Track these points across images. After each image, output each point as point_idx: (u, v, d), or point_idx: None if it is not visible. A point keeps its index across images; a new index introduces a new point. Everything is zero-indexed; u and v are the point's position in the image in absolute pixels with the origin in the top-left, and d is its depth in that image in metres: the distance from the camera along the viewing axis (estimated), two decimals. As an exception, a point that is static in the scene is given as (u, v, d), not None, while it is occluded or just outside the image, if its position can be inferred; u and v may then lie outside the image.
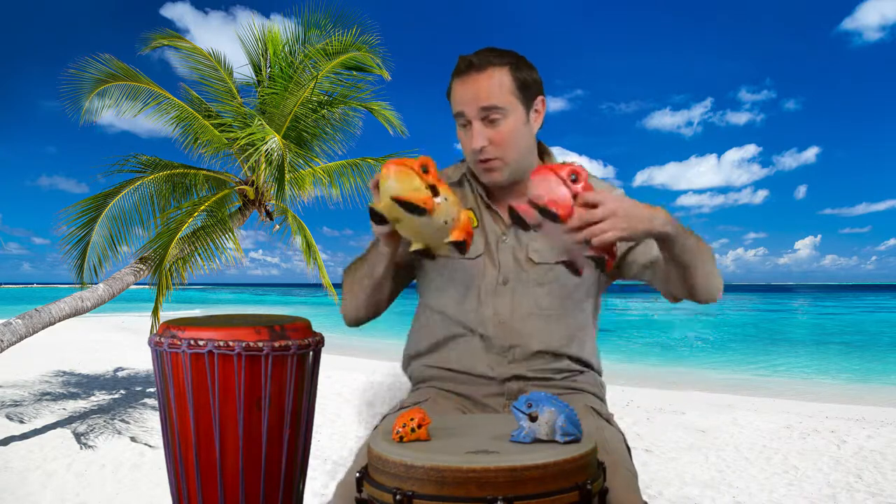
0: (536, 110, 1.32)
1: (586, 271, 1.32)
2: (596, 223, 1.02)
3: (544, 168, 1.06)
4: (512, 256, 1.35)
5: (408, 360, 1.48)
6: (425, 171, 1.10)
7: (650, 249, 1.33)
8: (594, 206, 1.03)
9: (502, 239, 1.36)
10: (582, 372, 1.39)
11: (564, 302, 1.35)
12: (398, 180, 1.08)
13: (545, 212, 1.03)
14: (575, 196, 1.04)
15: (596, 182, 1.35)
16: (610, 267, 1.08)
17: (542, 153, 1.42)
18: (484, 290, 1.34)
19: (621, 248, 1.36)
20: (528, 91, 1.29)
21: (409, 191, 1.08)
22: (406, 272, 1.46)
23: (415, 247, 1.16)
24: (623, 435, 1.30)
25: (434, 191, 1.10)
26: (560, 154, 1.43)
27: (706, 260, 1.23)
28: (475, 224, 1.32)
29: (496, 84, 1.26)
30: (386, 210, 1.11)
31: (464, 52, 1.30)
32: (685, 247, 1.17)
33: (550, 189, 1.04)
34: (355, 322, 1.46)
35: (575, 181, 1.04)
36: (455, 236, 1.14)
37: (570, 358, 1.35)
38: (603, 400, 1.42)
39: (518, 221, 1.08)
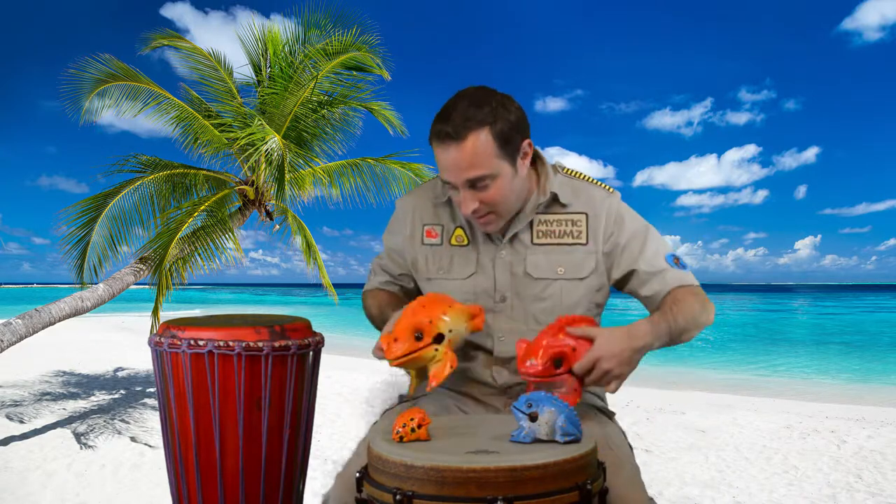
0: (524, 154, 1.27)
1: (585, 287, 1.35)
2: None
3: (529, 373, 1.17)
4: (509, 272, 1.33)
5: None
6: (419, 338, 1.18)
7: (651, 288, 1.34)
8: (589, 372, 1.15)
9: (499, 255, 1.34)
10: None
11: (564, 315, 1.33)
12: (404, 361, 1.19)
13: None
14: (568, 376, 1.17)
15: (591, 190, 1.35)
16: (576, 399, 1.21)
17: (535, 157, 1.38)
18: (483, 308, 1.33)
19: (624, 274, 1.38)
20: (511, 145, 1.23)
21: (418, 365, 1.22)
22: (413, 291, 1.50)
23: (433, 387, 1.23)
24: (624, 432, 1.30)
25: (438, 339, 1.20)
26: (559, 154, 1.44)
27: (692, 326, 1.29)
28: (465, 242, 1.38)
29: (479, 152, 1.20)
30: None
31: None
32: (672, 341, 1.27)
33: (546, 387, 1.17)
34: None
35: (559, 366, 1.17)
36: (431, 383, 1.22)
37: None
38: (604, 399, 1.42)
39: None
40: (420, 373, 1.23)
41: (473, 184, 1.22)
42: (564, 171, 1.38)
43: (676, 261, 1.34)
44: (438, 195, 1.41)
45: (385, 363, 1.23)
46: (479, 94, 1.22)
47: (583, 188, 1.36)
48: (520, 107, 1.26)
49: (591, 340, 1.15)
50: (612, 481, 1.04)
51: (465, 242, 1.37)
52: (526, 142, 1.26)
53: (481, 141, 1.19)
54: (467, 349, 1.35)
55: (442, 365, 1.19)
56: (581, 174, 1.38)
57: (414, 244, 1.41)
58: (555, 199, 1.34)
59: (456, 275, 1.35)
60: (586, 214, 1.33)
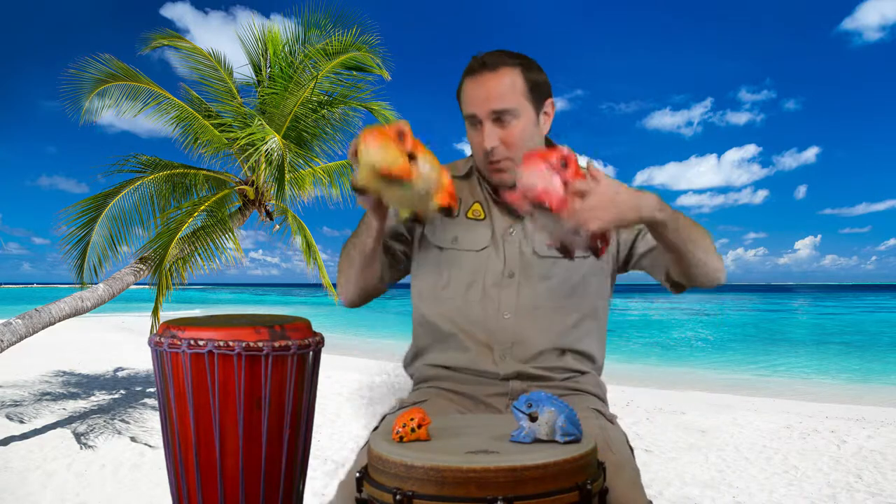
0: (546, 112, 1.33)
1: (591, 264, 1.34)
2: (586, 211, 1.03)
3: (534, 156, 1.05)
4: (518, 249, 1.35)
5: (411, 358, 1.48)
6: (401, 137, 1.09)
7: (649, 238, 1.34)
8: (583, 194, 1.03)
9: (509, 232, 1.35)
10: (584, 373, 1.38)
11: (570, 296, 1.34)
12: (375, 151, 1.07)
13: (536, 203, 1.03)
14: (565, 183, 1.03)
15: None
16: (603, 252, 1.09)
17: (548, 143, 1.41)
18: (489, 283, 1.34)
19: (627, 239, 1.37)
20: (539, 93, 1.30)
21: (387, 161, 1.07)
22: (404, 259, 1.46)
23: (403, 214, 1.16)
24: (625, 435, 1.30)
25: (412, 157, 1.09)
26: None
27: (702, 242, 1.22)
28: (482, 216, 1.35)
29: (508, 85, 1.26)
30: (366, 181, 1.10)
31: (464, 53, 1.31)
32: (678, 231, 1.17)
33: (541, 178, 1.03)
34: (349, 302, 1.45)
35: (565, 167, 1.04)
36: (440, 201, 1.14)
37: (573, 352, 1.35)
38: (605, 401, 1.42)
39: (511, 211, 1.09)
40: (397, 201, 1.14)
41: (498, 117, 1.26)
42: None
43: None
44: (458, 169, 1.43)
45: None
46: (513, 51, 1.31)
47: (593, 175, 1.38)
48: (545, 74, 1.33)
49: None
50: (612, 484, 1.04)
51: (482, 217, 1.38)
52: (550, 100, 1.34)
53: (513, 76, 1.27)
54: (469, 337, 1.34)
55: (441, 175, 1.13)
56: (591, 163, 1.40)
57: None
58: None
59: (469, 246, 1.36)
60: None
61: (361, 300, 1.44)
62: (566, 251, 1.11)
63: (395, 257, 1.45)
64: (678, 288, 1.35)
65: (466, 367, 1.35)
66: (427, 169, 1.10)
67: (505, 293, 1.33)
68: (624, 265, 1.42)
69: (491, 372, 1.33)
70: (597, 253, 1.08)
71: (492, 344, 1.33)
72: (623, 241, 1.39)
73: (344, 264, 1.39)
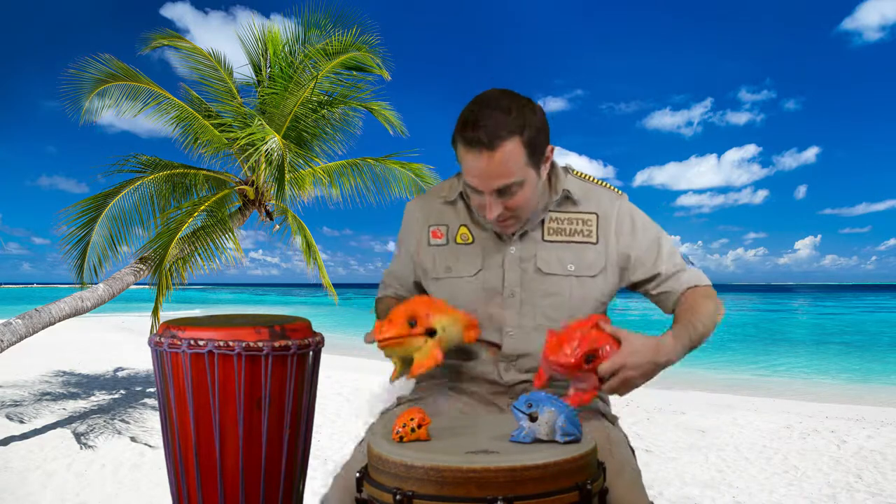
0: (547, 158, 1.28)
1: (594, 285, 1.36)
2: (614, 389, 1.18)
3: (559, 351, 1.16)
4: (519, 268, 1.34)
5: None
6: (412, 325, 1.21)
7: (661, 288, 1.37)
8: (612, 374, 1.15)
9: (509, 251, 1.34)
10: None
11: (574, 313, 1.34)
12: (395, 349, 1.23)
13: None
14: (592, 373, 1.16)
15: (600, 192, 1.38)
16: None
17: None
18: (490, 306, 1.34)
19: (642, 276, 1.39)
20: (539, 152, 1.25)
21: (410, 356, 1.24)
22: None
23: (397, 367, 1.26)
24: (626, 436, 1.30)
25: (430, 332, 1.22)
26: (560, 154, 1.41)
27: (709, 334, 1.31)
28: (470, 240, 1.39)
29: (509, 162, 1.19)
30: (401, 369, 1.27)
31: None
32: (692, 349, 1.28)
33: (570, 378, 1.19)
34: None
35: (591, 361, 1.16)
36: (469, 339, 1.28)
37: None
38: (606, 402, 1.42)
39: None
40: (404, 361, 1.24)
41: (501, 192, 1.23)
42: (574, 172, 1.40)
43: (688, 260, 1.39)
44: (447, 194, 1.41)
45: (385, 363, 1.23)
46: (506, 99, 1.21)
47: (592, 190, 1.38)
48: (542, 111, 1.26)
49: (619, 342, 1.17)
50: (613, 484, 1.04)
51: (470, 241, 1.37)
52: (549, 147, 1.28)
53: (513, 150, 1.19)
54: (475, 347, 1.35)
55: (428, 356, 1.21)
56: (590, 176, 1.40)
57: (421, 247, 1.42)
58: (566, 197, 1.35)
59: (463, 273, 1.36)
60: (596, 215, 1.35)
61: None
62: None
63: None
64: None
65: (470, 374, 1.36)
66: (448, 330, 1.25)
67: (507, 314, 1.33)
68: (629, 286, 1.43)
69: (495, 381, 1.35)
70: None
71: (495, 358, 1.34)
72: (638, 274, 1.38)
73: None
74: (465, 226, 1.38)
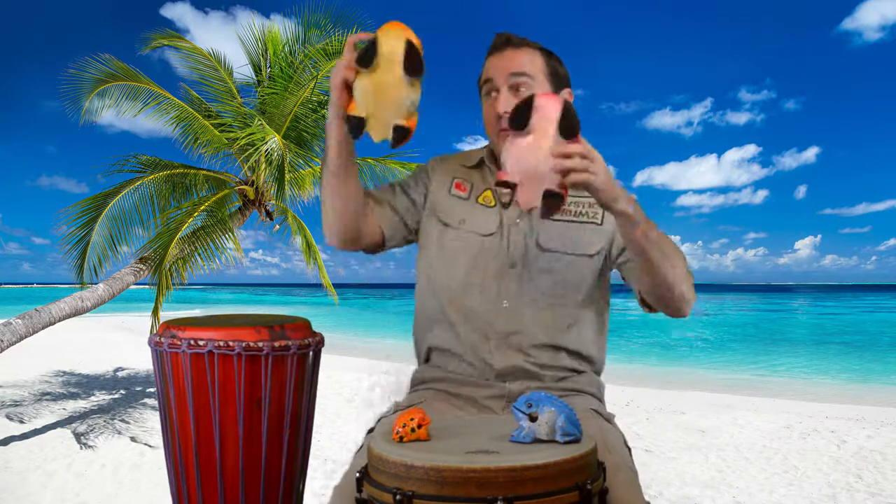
0: (565, 90, 1.36)
1: (593, 265, 1.35)
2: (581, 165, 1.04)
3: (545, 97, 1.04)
4: (523, 241, 1.35)
5: (415, 336, 1.48)
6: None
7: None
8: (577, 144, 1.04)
9: (515, 222, 1.36)
10: (581, 372, 1.38)
11: (570, 290, 1.34)
12: (410, 37, 1.08)
13: (520, 115, 1.02)
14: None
15: None
16: (556, 210, 1.05)
17: None
18: (490, 271, 1.34)
19: (619, 243, 1.35)
20: (558, 77, 1.34)
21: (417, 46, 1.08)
22: (408, 219, 1.42)
23: (354, 111, 1.12)
24: (623, 434, 1.30)
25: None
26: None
27: (672, 259, 1.20)
28: (493, 204, 1.36)
29: (529, 59, 1.31)
30: (384, 55, 1.08)
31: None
32: (647, 235, 1.15)
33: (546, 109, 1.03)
34: (332, 235, 1.37)
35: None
36: (407, 122, 1.11)
37: (568, 351, 1.34)
38: (602, 401, 1.42)
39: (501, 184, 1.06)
40: (371, 93, 1.11)
41: (515, 84, 1.29)
42: None
43: None
44: (470, 159, 1.44)
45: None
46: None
47: None
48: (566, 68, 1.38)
49: None
50: (610, 484, 1.03)
51: (492, 204, 1.38)
52: (568, 90, 1.36)
53: (534, 55, 1.32)
54: (466, 323, 1.34)
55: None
56: None
57: (440, 191, 1.42)
58: None
59: (476, 229, 1.36)
60: None
61: (346, 235, 1.36)
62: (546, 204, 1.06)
63: (395, 210, 1.41)
64: (648, 308, 1.33)
65: (461, 353, 1.34)
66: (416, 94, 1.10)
67: (505, 283, 1.33)
68: (612, 263, 1.41)
69: (486, 361, 1.32)
70: (557, 206, 1.04)
71: (488, 333, 1.32)
72: (617, 243, 1.37)
73: (324, 196, 1.35)
74: (490, 190, 1.39)
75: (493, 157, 1.41)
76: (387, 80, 1.10)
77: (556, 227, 1.35)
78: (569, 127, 1.03)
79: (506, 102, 1.29)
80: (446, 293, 1.36)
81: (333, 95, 1.17)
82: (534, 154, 1.03)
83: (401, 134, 1.11)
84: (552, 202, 1.04)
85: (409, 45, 1.08)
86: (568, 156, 1.03)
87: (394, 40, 1.09)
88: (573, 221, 1.36)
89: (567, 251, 1.34)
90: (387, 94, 1.10)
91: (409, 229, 1.44)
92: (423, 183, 1.44)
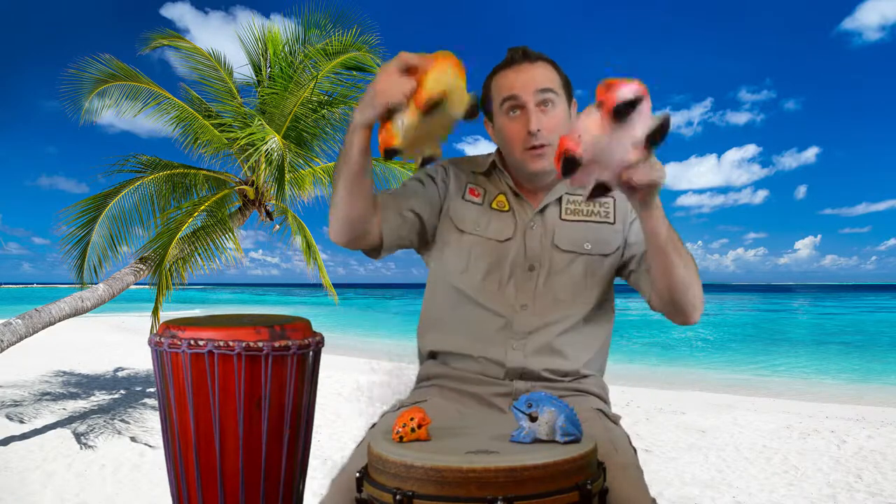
0: (573, 102, 1.38)
1: (609, 264, 1.37)
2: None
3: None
4: (539, 243, 1.35)
5: (421, 336, 1.45)
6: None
7: (640, 246, 1.35)
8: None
9: (530, 226, 1.36)
10: (587, 375, 1.39)
11: (585, 291, 1.35)
12: (461, 78, 1.12)
13: (626, 106, 0.99)
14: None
15: None
16: (593, 200, 1.19)
17: None
18: (510, 274, 1.34)
19: (631, 243, 1.37)
20: (569, 89, 1.37)
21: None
22: (416, 229, 1.39)
23: (393, 144, 1.12)
24: (628, 436, 1.30)
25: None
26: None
27: (688, 261, 1.23)
28: (507, 208, 1.37)
29: (549, 73, 1.33)
30: (433, 95, 1.09)
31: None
32: (670, 237, 1.18)
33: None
34: (341, 234, 1.30)
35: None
36: (436, 150, 1.18)
37: (579, 351, 1.35)
38: (607, 402, 1.42)
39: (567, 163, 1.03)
40: (414, 128, 1.12)
41: (542, 100, 1.30)
42: None
43: None
44: (479, 165, 1.43)
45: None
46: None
47: None
48: None
49: None
50: (617, 484, 1.04)
51: (506, 208, 1.38)
52: (574, 101, 1.39)
53: (549, 69, 1.34)
54: (482, 325, 1.34)
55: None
56: None
57: (455, 196, 1.40)
58: None
59: (492, 234, 1.36)
60: (614, 198, 1.39)
61: (351, 234, 1.31)
62: (601, 189, 1.07)
63: (404, 218, 1.37)
64: (655, 305, 1.34)
65: (471, 353, 1.34)
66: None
67: (524, 287, 1.34)
68: (621, 267, 1.41)
69: (497, 360, 1.32)
70: (603, 193, 1.06)
71: (506, 333, 1.33)
72: (629, 251, 1.38)
73: (337, 190, 1.28)
74: (503, 194, 1.40)
75: (503, 164, 1.41)
76: (438, 122, 1.15)
77: (572, 227, 1.37)
78: (661, 137, 1.04)
79: (537, 120, 1.28)
80: (463, 296, 1.36)
81: (370, 112, 1.14)
82: (618, 142, 1.02)
83: (428, 161, 1.19)
84: (598, 192, 1.06)
85: (474, 100, 1.16)
86: (647, 156, 1.04)
87: (459, 92, 1.13)
88: (587, 221, 1.38)
89: (584, 251, 1.35)
90: (432, 133, 1.16)
91: (414, 237, 1.39)
92: (444, 180, 1.41)
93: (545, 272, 1.34)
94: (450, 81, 1.10)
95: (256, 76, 6.79)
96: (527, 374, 1.33)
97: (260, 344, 1.22)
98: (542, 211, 1.37)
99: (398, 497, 0.86)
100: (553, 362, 1.33)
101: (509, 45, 1.38)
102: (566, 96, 1.35)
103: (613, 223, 1.38)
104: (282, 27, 6.74)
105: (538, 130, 1.29)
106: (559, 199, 1.39)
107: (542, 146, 1.30)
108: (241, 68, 6.79)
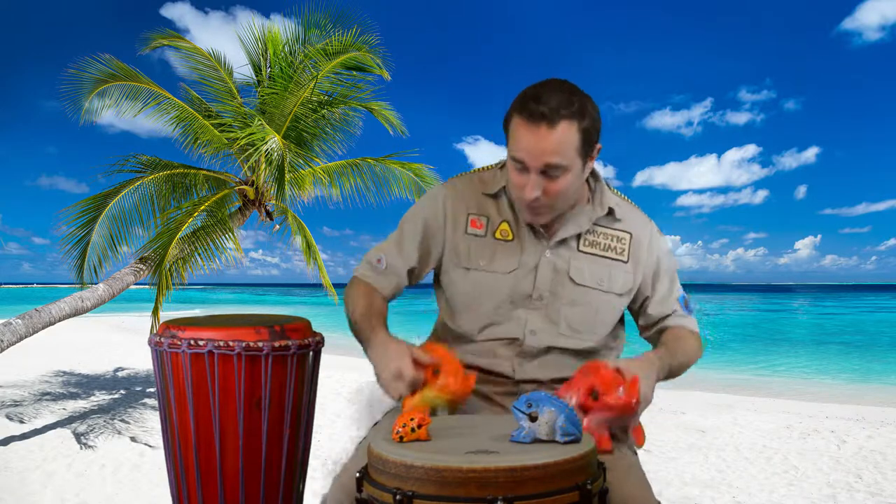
0: (591, 157, 1.29)
1: (618, 303, 1.39)
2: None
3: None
4: (552, 272, 1.34)
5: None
6: (436, 373, 1.21)
7: (645, 314, 1.43)
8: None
9: (545, 255, 1.35)
10: None
11: (596, 325, 1.36)
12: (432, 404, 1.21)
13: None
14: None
15: (635, 213, 1.43)
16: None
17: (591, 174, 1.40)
18: (517, 304, 1.34)
19: (639, 295, 1.44)
20: (590, 144, 1.26)
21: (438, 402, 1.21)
22: (413, 278, 1.43)
23: (409, 406, 1.21)
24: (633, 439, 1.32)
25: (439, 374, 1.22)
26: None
27: (683, 369, 1.38)
28: (511, 237, 1.37)
29: (564, 142, 1.21)
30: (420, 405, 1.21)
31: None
32: (671, 374, 1.34)
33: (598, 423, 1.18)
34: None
35: (597, 397, 1.16)
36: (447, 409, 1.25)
37: None
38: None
39: None
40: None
41: (547, 172, 1.23)
42: (611, 189, 1.43)
43: (686, 303, 1.44)
44: (489, 186, 1.39)
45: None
46: (568, 87, 1.24)
47: (628, 210, 1.41)
48: (598, 109, 1.28)
49: (617, 369, 1.17)
50: (622, 485, 1.06)
51: (510, 238, 1.37)
52: (597, 146, 1.28)
53: (569, 132, 1.21)
54: (493, 343, 1.35)
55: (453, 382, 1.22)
56: (624, 196, 1.44)
57: (456, 232, 1.38)
58: (609, 213, 1.37)
59: (497, 268, 1.35)
60: (630, 235, 1.38)
61: None
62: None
63: (402, 277, 1.42)
64: None
65: (483, 368, 1.36)
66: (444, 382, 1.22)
67: (532, 315, 1.34)
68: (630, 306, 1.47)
69: (507, 375, 1.35)
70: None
71: (513, 352, 1.35)
72: (643, 306, 1.44)
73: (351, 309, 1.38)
74: (507, 222, 1.37)
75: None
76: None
77: (587, 260, 1.36)
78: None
79: (536, 188, 1.24)
80: (471, 325, 1.37)
81: (391, 377, 1.25)
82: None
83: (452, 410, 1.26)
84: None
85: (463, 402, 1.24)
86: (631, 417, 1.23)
87: (456, 401, 1.22)
88: (603, 257, 1.37)
89: (598, 287, 1.35)
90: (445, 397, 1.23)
91: (416, 278, 1.45)
92: (440, 230, 1.40)
93: (555, 302, 1.34)
94: (450, 396, 1.21)
95: (256, 76, 6.79)
96: (535, 380, 1.35)
97: (260, 344, 1.22)
98: (560, 242, 1.35)
99: (398, 497, 0.86)
100: (561, 372, 1.35)
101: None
102: (582, 155, 1.25)
103: (626, 262, 1.37)
104: (282, 27, 6.74)
105: (536, 197, 1.25)
106: (578, 234, 1.37)
107: (539, 207, 1.28)
108: (241, 68, 6.78)
